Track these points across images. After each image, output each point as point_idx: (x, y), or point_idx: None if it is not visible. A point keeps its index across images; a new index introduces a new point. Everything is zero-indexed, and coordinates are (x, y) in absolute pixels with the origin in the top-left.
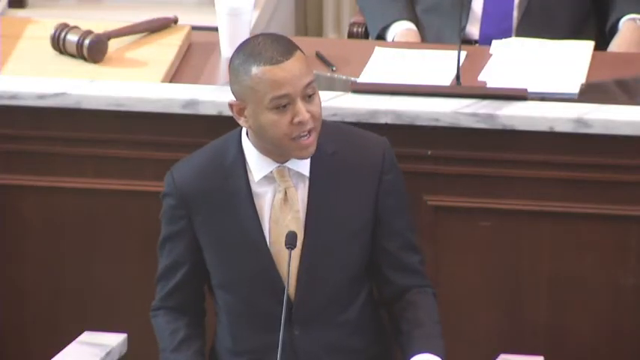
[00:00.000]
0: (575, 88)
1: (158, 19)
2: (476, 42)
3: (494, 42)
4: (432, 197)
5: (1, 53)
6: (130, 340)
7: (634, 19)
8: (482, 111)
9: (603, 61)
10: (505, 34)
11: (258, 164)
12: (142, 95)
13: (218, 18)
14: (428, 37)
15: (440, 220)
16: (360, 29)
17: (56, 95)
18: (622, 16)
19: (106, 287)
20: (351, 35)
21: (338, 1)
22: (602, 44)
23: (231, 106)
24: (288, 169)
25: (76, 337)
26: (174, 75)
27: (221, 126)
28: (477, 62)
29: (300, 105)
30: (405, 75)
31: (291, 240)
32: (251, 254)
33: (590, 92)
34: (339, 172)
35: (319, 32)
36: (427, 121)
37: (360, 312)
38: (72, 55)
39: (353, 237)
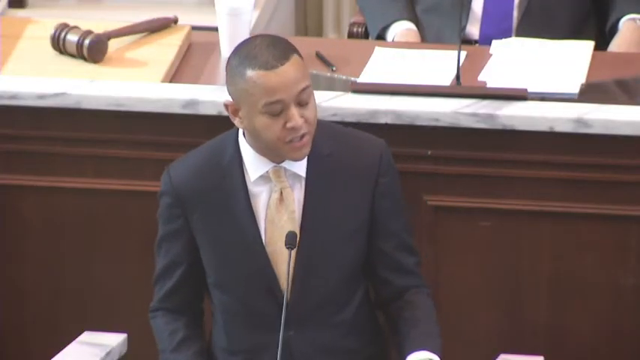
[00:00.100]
0: (575, 88)
1: (158, 19)
2: (476, 42)
3: (494, 42)
4: (432, 197)
5: (1, 53)
6: (130, 340)
7: (634, 19)
8: (482, 111)
9: (603, 61)
10: (505, 34)
11: (254, 164)
12: (142, 95)
13: (218, 18)
14: (428, 37)
15: (440, 220)
16: (360, 29)
17: (56, 95)
18: (622, 16)
19: (106, 287)
20: (351, 35)
21: (338, 1)
22: (602, 44)
23: (226, 106)
24: (285, 169)
25: (76, 337)
26: (174, 75)
27: (221, 126)
28: (477, 62)
29: (294, 110)
30: (405, 75)
31: (291, 240)
32: (247, 254)
33: (590, 92)
34: (335, 173)
35: (319, 32)
36: (427, 121)
37: (356, 312)
38: (72, 55)
39: (349, 238)
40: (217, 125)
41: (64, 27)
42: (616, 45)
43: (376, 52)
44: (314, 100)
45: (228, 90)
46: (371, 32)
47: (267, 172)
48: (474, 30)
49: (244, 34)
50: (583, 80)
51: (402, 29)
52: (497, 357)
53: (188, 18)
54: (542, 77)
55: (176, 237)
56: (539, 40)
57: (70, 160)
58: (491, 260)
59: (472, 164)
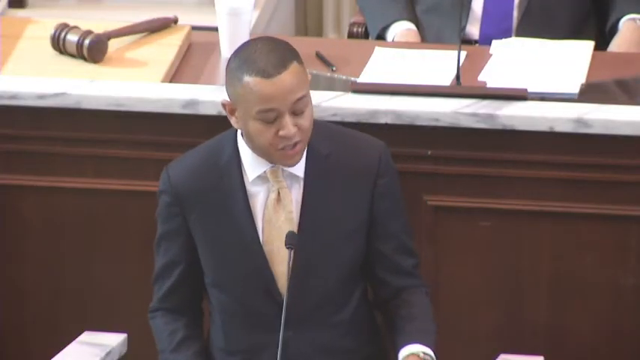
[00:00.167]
0: (575, 88)
1: (158, 19)
2: (476, 42)
3: (494, 42)
4: (432, 197)
5: (1, 53)
6: (130, 340)
7: (634, 19)
8: (482, 111)
9: (603, 61)
10: (505, 34)
11: (252, 164)
12: (142, 95)
13: (218, 18)
14: (428, 37)
15: (440, 220)
16: (360, 29)
17: (56, 95)
18: (622, 16)
19: (106, 287)
20: (351, 35)
21: (338, 1)
22: (602, 44)
23: (224, 105)
24: (282, 169)
25: (76, 337)
26: (174, 75)
27: (221, 126)
28: (477, 62)
29: (288, 119)
30: (405, 75)
31: (291, 240)
32: (244, 254)
33: (590, 92)
34: (333, 174)
35: (319, 32)
36: (427, 121)
37: (355, 312)
38: (72, 55)
39: (347, 238)
40: (217, 125)
41: (64, 27)
42: (616, 45)
43: (376, 52)
44: (310, 108)
45: (226, 90)
46: (371, 32)
47: (264, 172)
48: (474, 30)
49: (244, 34)
50: (583, 80)
51: (402, 29)
52: (497, 357)
53: (188, 18)
54: (542, 77)
55: (175, 236)
56: (539, 40)
57: (70, 160)
58: (491, 260)
59: (472, 164)
